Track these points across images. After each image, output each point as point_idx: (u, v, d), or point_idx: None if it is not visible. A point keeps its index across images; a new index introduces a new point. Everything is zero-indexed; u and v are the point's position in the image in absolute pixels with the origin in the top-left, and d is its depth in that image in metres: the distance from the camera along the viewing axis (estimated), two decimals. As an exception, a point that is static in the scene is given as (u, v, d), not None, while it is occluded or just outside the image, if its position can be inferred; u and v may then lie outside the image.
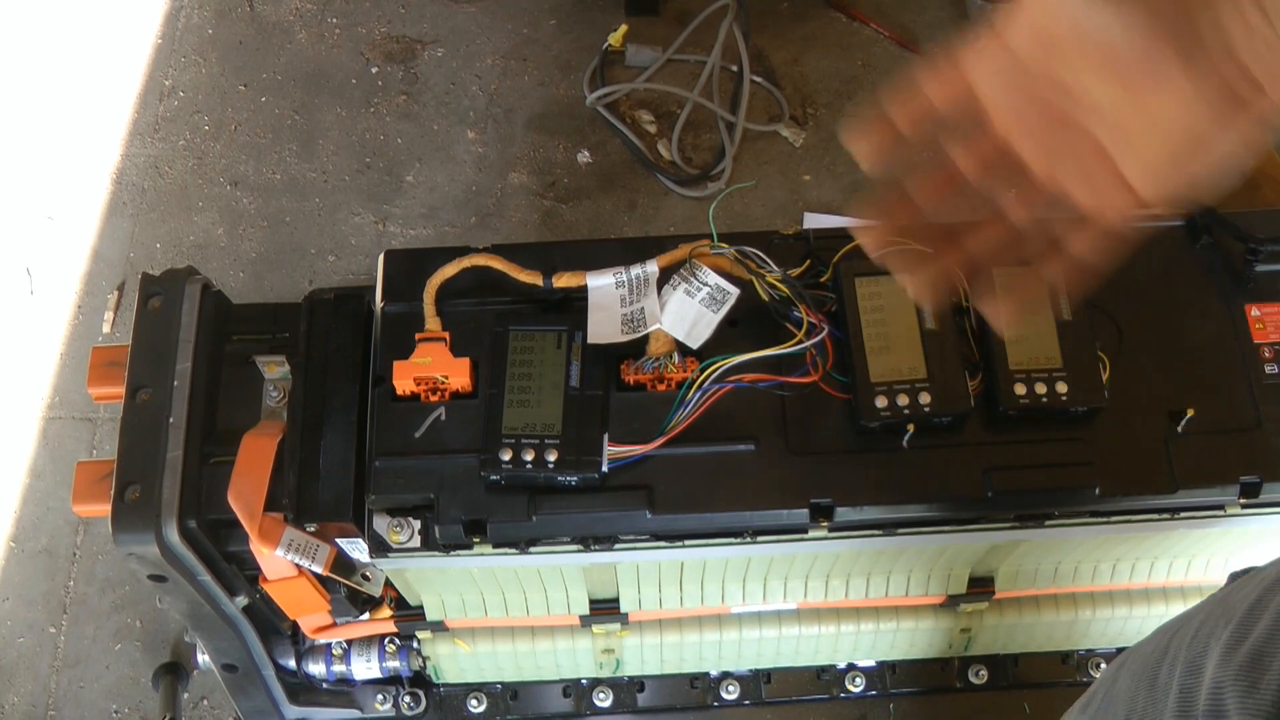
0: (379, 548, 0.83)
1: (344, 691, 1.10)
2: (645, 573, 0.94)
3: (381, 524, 0.83)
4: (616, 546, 0.84)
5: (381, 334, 0.87)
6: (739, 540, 0.84)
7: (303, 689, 1.07)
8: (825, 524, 0.83)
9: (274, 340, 0.91)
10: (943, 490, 0.83)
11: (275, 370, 0.90)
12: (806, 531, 0.83)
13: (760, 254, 0.86)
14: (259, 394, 0.90)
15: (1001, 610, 1.05)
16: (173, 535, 0.83)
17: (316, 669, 1.06)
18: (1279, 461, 0.84)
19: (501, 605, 0.98)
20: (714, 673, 1.14)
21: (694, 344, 0.84)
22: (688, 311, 0.84)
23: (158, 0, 1.70)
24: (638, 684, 1.15)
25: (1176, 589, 1.06)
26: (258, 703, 1.06)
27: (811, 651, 1.08)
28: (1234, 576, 0.82)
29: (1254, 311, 0.88)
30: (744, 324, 0.86)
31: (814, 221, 1.53)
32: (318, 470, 0.85)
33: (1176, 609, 1.05)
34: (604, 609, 1.00)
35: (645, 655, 1.07)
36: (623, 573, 0.94)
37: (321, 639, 1.03)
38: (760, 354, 0.83)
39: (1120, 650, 1.15)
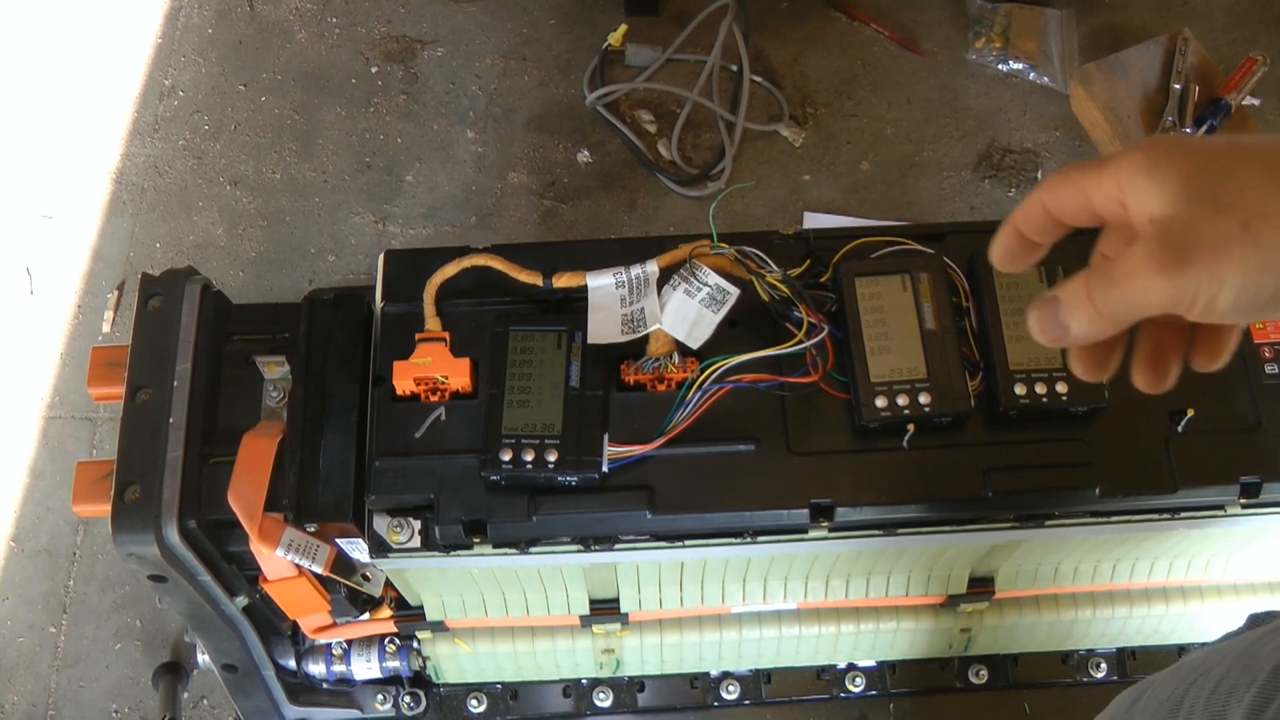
0: (379, 548, 0.83)
1: (344, 691, 1.10)
2: (645, 573, 0.94)
3: (381, 524, 0.83)
4: (616, 547, 0.84)
5: (381, 334, 0.87)
6: (739, 540, 0.84)
7: (303, 689, 1.07)
8: (825, 524, 0.83)
9: (274, 340, 0.91)
10: (943, 490, 0.82)
11: (275, 370, 0.90)
12: (806, 532, 0.83)
13: (760, 254, 0.86)
14: (259, 394, 0.90)
15: (1002, 610, 1.05)
16: (173, 535, 0.83)
17: (316, 669, 1.06)
18: (1279, 461, 0.84)
19: (501, 605, 0.98)
20: (714, 673, 1.14)
21: (694, 344, 0.84)
22: (688, 312, 0.84)
23: (158, 0, 1.70)
24: (638, 684, 1.15)
25: (1176, 589, 1.06)
26: (258, 703, 1.06)
27: (811, 651, 1.08)
28: (1254, 619, 0.81)
29: (1254, 312, 0.88)
30: (744, 324, 0.86)
31: (814, 221, 1.53)
32: (318, 470, 0.85)
33: (1177, 609, 1.05)
34: (604, 609, 1.00)
35: (645, 655, 1.07)
36: (623, 573, 0.94)
37: (321, 639, 1.03)
38: (760, 354, 0.83)
39: (1121, 650, 1.15)
